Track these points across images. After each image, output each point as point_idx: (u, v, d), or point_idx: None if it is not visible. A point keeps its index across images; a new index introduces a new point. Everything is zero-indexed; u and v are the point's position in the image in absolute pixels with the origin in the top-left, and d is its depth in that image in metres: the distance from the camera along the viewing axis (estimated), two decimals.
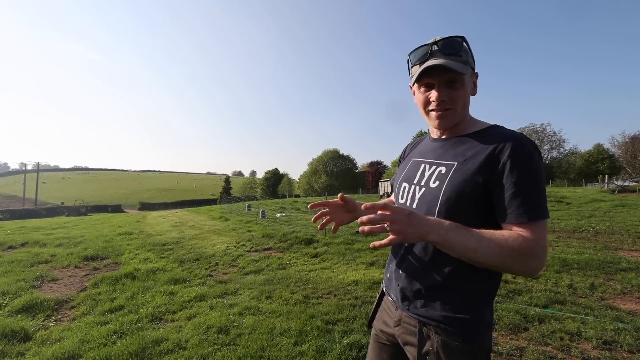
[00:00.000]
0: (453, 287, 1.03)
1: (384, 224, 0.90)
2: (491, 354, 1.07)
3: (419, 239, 0.93)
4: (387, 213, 0.90)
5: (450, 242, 0.91)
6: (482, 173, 0.97)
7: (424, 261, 1.08)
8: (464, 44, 1.07)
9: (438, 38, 1.07)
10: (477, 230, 0.92)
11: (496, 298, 3.87)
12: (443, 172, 1.07)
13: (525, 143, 0.96)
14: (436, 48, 1.06)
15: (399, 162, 1.45)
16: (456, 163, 1.05)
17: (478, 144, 1.04)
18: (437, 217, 1.01)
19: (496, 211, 0.97)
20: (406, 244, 1.13)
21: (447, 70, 1.02)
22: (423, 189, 1.10)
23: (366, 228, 0.91)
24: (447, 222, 0.93)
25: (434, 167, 1.12)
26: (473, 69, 1.11)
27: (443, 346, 1.02)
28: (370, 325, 1.36)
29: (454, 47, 1.05)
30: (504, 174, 0.94)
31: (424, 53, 1.08)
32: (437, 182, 1.06)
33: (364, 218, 0.90)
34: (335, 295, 4.37)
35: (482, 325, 1.03)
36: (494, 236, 0.90)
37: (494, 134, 1.04)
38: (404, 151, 1.42)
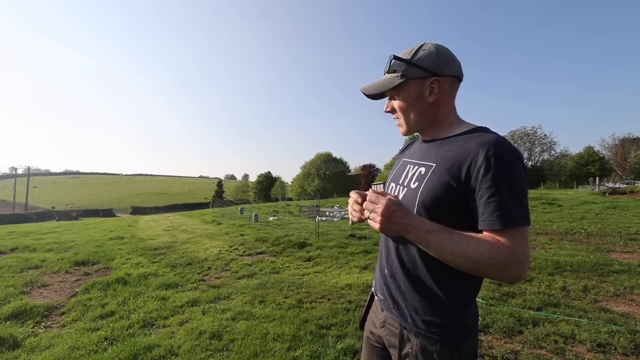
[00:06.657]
0: (434, 289, 1.02)
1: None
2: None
3: (395, 234, 0.96)
4: (371, 203, 0.96)
5: (427, 243, 0.92)
6: (456, 177, 0.96)
7: (406, 261, 1.08)
8: (395, 60, 1.11)
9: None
10: (459, 233, 0.91)
11: (490, 301, 3.88)
12: (422, 173, 1.07)
13: (503, 147, 0.92)
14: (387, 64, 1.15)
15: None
16: (434, 165, 1.04)
17: (458, 146, 1.01)
18: None
19: (474, 217, 0.95)
20: (391, 244, 1.14)
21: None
22: (405, 189, 1.12)
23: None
24: (428, 224, 0.93)
25: (416, 167, 1.13)
26: (420, 77, 1.07)
27: (422, 350, 1.02)
28: (362, 326, 1.37)
29: (389, 65, 1.13)
30: (479, 179, 0.91)
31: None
32: (416, 183, 1.07)
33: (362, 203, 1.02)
34: (328, 300, 4.35)
35: (463, 330, 1.02)
36: (473, 241, 0.88)
37: (475, 137, 1.00)
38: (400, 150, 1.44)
